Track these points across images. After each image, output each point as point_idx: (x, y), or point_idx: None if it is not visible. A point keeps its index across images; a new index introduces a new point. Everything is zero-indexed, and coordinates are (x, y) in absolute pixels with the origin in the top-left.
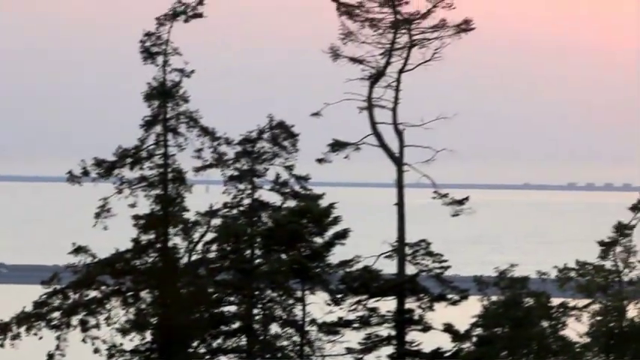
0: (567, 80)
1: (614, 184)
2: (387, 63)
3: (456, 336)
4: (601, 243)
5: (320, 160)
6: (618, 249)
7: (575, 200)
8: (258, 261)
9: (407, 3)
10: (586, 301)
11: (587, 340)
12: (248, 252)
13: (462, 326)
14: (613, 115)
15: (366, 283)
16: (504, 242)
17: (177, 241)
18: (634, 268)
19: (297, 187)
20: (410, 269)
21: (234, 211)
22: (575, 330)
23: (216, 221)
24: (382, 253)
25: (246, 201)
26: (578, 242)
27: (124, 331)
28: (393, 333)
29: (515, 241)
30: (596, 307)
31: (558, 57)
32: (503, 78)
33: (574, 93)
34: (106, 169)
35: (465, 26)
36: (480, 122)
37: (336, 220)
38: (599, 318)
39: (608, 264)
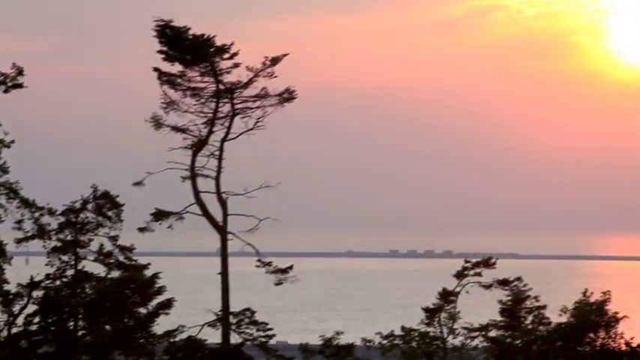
0: (390, 148)
1: (435, 251)
2: (210, 132)
3: None
4: (426, 309)
5: (142, 230)
6: (442, 315)
7: (398, 267)
8: (81, 332)
9: (228, 72)
10: None
11: None
12: (71, 323)
13: None
14: (431, 183)
15: (191, 353)
16: (328, 310)
17: None
18: (458, 334)
19: (121, 258)
20: (235, 338)
21: (57, 283)
22: None
23: (38, 293)
24: (206, 323)
25: (70, 272)
26: (401, 309)
27: None
28: None
29: (339, 308)
30: None
31: (380, 121)
32: (328, 144)
33: (395, 161)
34: None
35: (287, 95)
36: (304, 190)
37: (160, 290)
38: None
39: (432, 330)
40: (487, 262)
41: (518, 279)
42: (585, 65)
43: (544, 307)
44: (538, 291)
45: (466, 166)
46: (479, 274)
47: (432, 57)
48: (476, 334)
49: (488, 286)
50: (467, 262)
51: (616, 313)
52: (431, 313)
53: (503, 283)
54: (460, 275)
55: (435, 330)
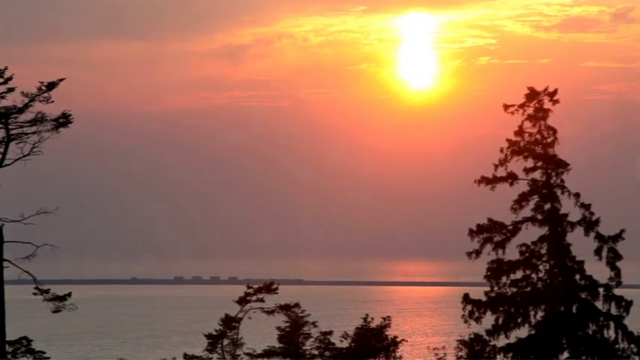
0: (174, 174)
1: (220, 278)
2: None
3: None
4: (208, 336)
5: None
6: (225, 341)
7: (182, 294)
8: None
9: (2, 97)
10: None
11: None
12: None
13: None
14: (216, 210)
15: None
16: (110, 337)
17: None
18: None
19: None
20: None
21: None
22: None
23: None
24: None
25: None
26: (185, 336)
27: None
28: None
29: (121, 336)
30: None
31: (168, 146)
32: (112, 170)
33: (180, 188)
34: None
35: (63, 120)
36: (85, 217)
37: None
38: None
39: (215, 357)
40: (269, 288)
41: (297, 305)
42: (371, 93)
43: (330, 332)
44: (324, 316)
45: (250, 193)
46: (261, 300)
47: (218, 82)
48: None
49: (270, 312)
50: (249, 287)
51: (395, 337)
52: (213, 339)
53: (286, 308)
54: (242, 301)
55: (219, 356)
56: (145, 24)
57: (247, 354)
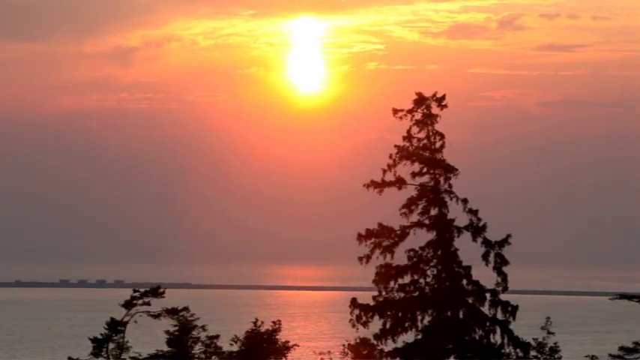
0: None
1: (106, 281)
2: None
3: None
4: (93, 340)
5: None
6: (111, 345)
7: (68, 297)
8: None
9: None
10: None
11: None
12: None
13: None
14: (104, 214)
15: None
16: None
17: None
18: None
19: None
20: None
21: None
22: None
23: None
24: None
25: None
26: (69, 339)
27: None
28: None
29: (4, 339)
30: None
31: (58, 148)
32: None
33: (67, 189)
34: None
35: None
36: None
37: None
38: None
39: None
40: (156, 292)
41: (186, 308)
42: (260, 96)
43: (217, 336)
44: (213, 320)
45: (138, 197)
46: (148, 304)
47: (108, 84)
48: None
49: (157, 316)
50: (135, 291)
51: (287, 341)
52: (98, 343)
53: (172, 312)
54: (128, 305)
55: None
56: (36, 25)
57: (133, 358)
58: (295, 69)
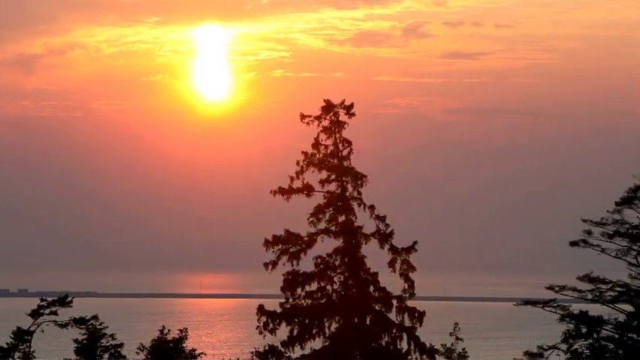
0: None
1: (9, 290)
2: None
3: None
4: None
5: None
6: (17, 354)
7: None
8: None
9: None
10: None
11: None
12: None
13: None
14: (5, 222)
15: None
16: None
17: None
18: None
19: None
20: None
21: None
22: None
23: None
24: None
25: None
26: None
27: None
28: None
29: None
30: None
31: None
32: None
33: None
34: None
35: None
36: None
37: None
38: None
39: None
40: (63, 301)
41: (95, 317)
42: (165, 104)
43: (121, 345)
44: (119, 329)
45: (40, 204)
46: (55, 313)
47: (11, 91)
48: None
49: (64, 325)
50: (43, 300)
51: (193, 349)
52: (4, 352)
53: (80, 321)
54: (35, 314)
55: None
56: None
57: None
58: (201, 76)
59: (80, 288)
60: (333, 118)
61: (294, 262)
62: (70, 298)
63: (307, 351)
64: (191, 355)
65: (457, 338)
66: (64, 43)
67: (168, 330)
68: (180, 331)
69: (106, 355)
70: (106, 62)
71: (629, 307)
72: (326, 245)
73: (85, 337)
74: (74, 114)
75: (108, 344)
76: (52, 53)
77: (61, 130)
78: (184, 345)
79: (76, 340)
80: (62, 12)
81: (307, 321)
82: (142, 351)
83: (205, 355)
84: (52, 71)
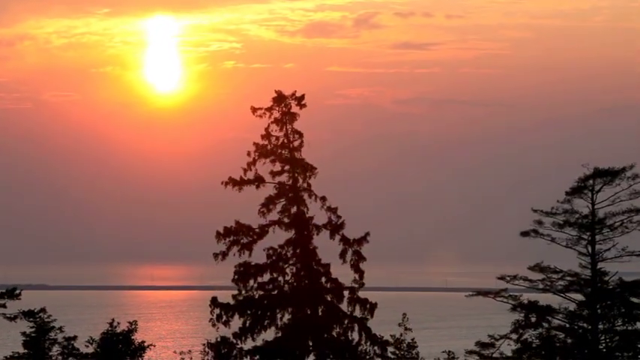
0: None
1: None
2: None
3: None
4: None
5: None
6: None
7: None
8: None
9: None
10: None
11: None
12: None
13: None
14: None
15: None
16: None
17: None
18: None
19: None
20: None
21: None
22: None
23: None
24: None
25: None
26: None
27: None
28: None
29: None
30: None
31: None
32: None
33: None
34: None
35: None
36: None
37: None
38: None
39: None
40: (12, 294)
41: (43, 310)
42: (116, 96)
43: (74, 338)
44: (69, 321)
45: None
46: (3, 306)
47: None
48: None
49: (13, 318)
50: None
51: (143, 342)
52: None
53: (29, 314)
54: None
55: None
56: None
57: None
58: (152, 68)
59: (31, 281)
60: (284, 109)
61: (246, 253)
62: (18, 291)
63: (259, 342)
64: (140, 347)
65: (406, 329)
66: (13, 34)
67: (118, 322)
68: (130, 323)
69: (55, 348)
70: (56, 54)
71: (579, 297)
72: (277, 236)
73: (34, 330)
74: (24, 105)
75: (56, 337)
76: (1, 44)
77: (11, 122)
78: (134, 337)
79: (24, 334)
80: (11, 3)
81: (259, 312)
82: (92, 344)
83: (154, 346)
84: (1, 63)
